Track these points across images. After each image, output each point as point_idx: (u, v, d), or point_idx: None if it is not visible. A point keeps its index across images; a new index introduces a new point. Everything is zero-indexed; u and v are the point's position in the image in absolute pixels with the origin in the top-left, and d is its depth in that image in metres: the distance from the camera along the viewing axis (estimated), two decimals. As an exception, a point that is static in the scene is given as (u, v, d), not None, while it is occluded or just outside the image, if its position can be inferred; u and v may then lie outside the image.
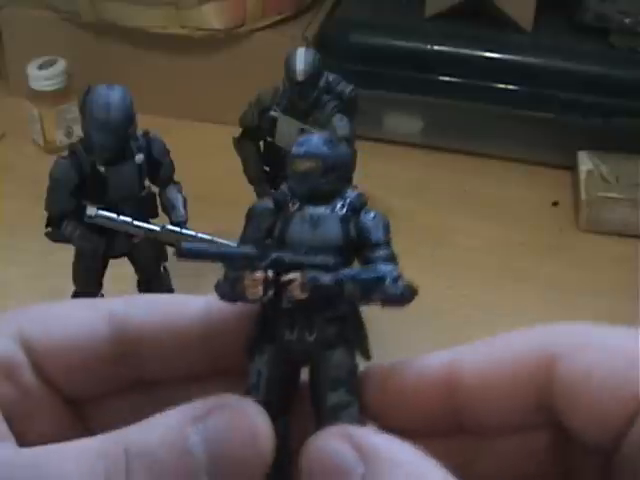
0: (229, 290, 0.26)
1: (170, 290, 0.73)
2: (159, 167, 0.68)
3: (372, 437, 0.24)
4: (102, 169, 0.65)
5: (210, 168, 0.94)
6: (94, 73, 0.91)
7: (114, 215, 0.64)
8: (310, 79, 0.71)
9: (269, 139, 0.75)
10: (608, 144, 0.94)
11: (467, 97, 0.97)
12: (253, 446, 0.24)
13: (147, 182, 0.69)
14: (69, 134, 0.99)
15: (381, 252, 0.27)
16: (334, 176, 0.27)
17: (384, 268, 0.26)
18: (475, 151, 1.01)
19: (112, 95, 0.63)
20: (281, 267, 0.26)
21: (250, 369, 0.27)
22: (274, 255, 0.26)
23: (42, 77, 0.96)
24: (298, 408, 0.27)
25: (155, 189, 0.69)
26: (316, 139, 0.28)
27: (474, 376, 0.26)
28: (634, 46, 0.96)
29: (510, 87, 0.96)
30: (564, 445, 0.26)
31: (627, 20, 0.94)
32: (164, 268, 0.73)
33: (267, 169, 0.77)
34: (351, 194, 0.28)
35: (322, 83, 0.72)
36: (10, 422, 0.25)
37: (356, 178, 0.48)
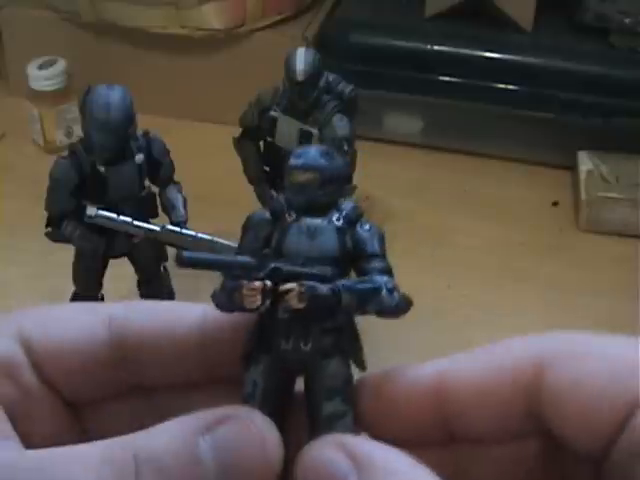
0: (226, 300, 0.26)
1: (170, 290, 0.73)
2: (159, 167, 0.68)
3: (366, 445, 0.24)
4: (102, 169, 0.65)
5: (210, 168, 0.94)
6: (94, 73, 0.91)
7: (114, 215, 0.64)
8: (310, 79, 0.71)
9: (269, 139, 0.75)
10: (608, 144, 0.94)
11: (467, 97, 0.97)
12: (262, 456, 0.24)
13: (147, 182, 0.69)
14: (69, 134, 0.99)
15: (377, 264, 0.27)
16: (331, 188, 0.28)
17: (380, 279, 0.27)
18: (475, 151, 1.01)
19: (112, 95, 0.63)
20: (279, 277, 0.26)
21: (246, 379, 0.27)
22: (272, 265, 0.26)
23: (42, 77, 0.96)
24: (293, 418, 0.27)
25: (155, 189, 0.69)
26: (314, 151, 0.28)
27: (464, 385, 0.26)
28: (634, 46, 0.96)
29: (510, 87, 0.96)
30: (555, 453, 0.26)
31: (627, 20, 0.94)
32: (164, 268, 0.73)
33: (267, 169, 0.77)
34: (347, 206, 0.28)
35: (322, 83, 0.72)
36: (13, 422, 0.25)
37: (356, 178, 0.49)
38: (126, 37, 1.02)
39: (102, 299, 0.72)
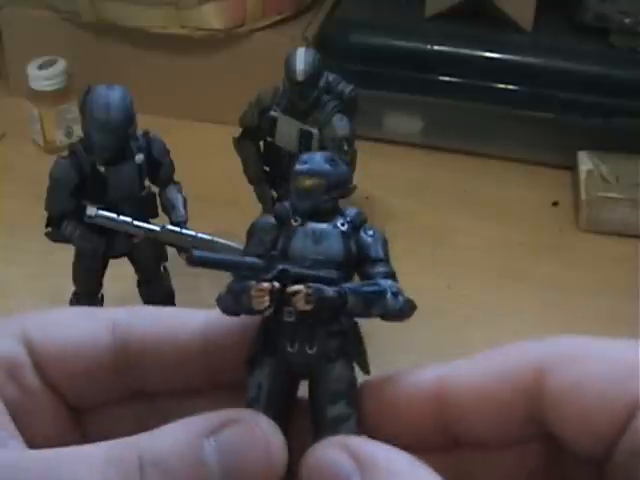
0: (232, 303, 0.27)
1: (170, 290, 0.73)
2: (159, 167, 0.68)
3: (369, 446, 0.24)
4: (102, 169, 0.65)
5: (210, 168, 0.94)
6: (94, 73, 0.91)
7: (114, 215, 0.64)
8: (310, 79, 0.71)
9: (269, 139, 0.75)
10: (608, 144, 0.94)
11: (467, 97, 0.97)
12: (266, 460, 0.24)
13: (147, 182, 0.69)
14: (69, 134, 0.99)
15: (380, 268, 0.28)
16: (336, 194, 0.28)
17: (385, 283, 0.27)
18: (475, 151, 1.01)
19: (112, 95, 0.63)
20: (287, 278, 0.26)
21: (250, 382, 0.27)
22: (280, 267, 0.26)
23: (42, 77, 0.96)
24: (296, 422, 0.27)
25: (155, 189, 0.69)
26: (319, 157, 0.29)
27: (464, 390, 0.27)
28: (634, 46, 0.96)
29: (510, 87, 0.96)
30: (557, 456, 0.26)
31: (627, 20, 0.94)
32: (164, 268, 0.73)
33: (267, 169, 0.76)
34: (351, 212, 0.29)
35: (322, 83, 0.72)
36: (15, 422, 0.25)
37: (356, 178, 0.48)
38: (126, 37, 1.02)
39: (102, 299, 0.72)
